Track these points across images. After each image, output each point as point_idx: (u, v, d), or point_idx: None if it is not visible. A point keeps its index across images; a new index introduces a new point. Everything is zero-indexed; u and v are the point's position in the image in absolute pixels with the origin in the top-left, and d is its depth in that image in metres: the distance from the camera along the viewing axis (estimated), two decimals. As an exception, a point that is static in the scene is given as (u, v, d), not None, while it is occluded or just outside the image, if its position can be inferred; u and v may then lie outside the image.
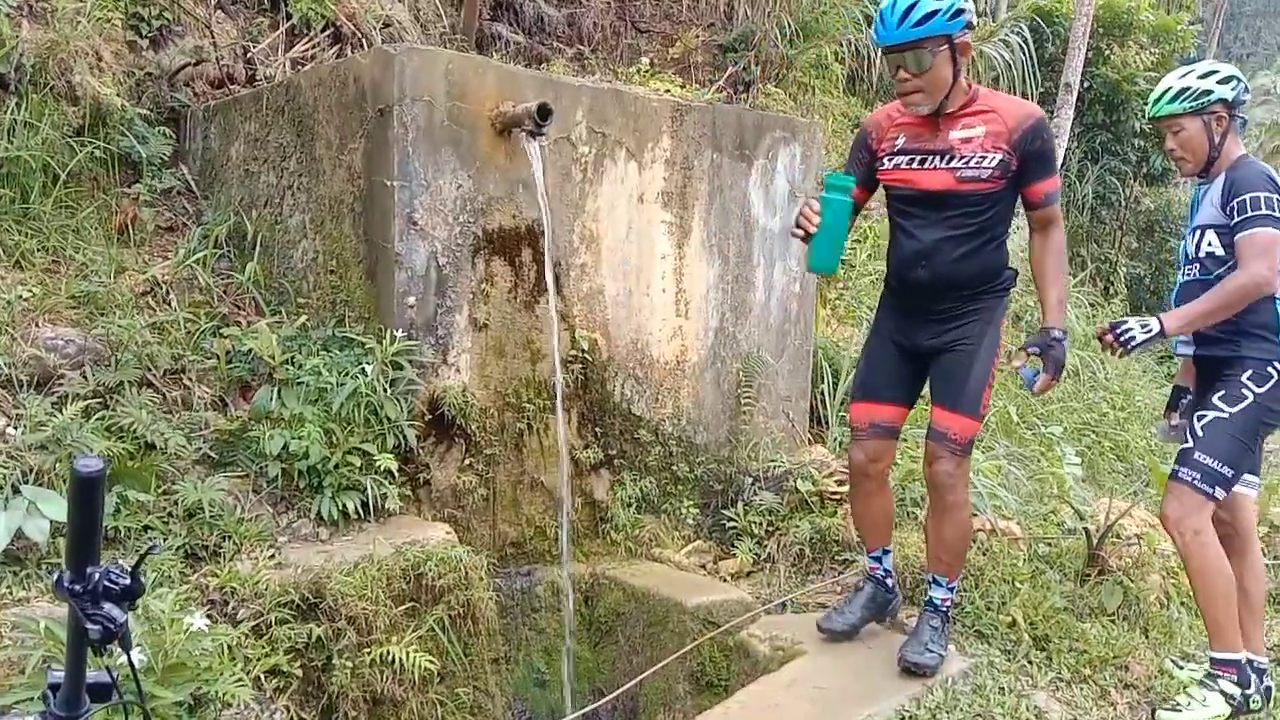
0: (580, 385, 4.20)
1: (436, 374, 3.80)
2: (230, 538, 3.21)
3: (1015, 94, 9.16)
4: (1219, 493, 3.10)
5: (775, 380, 4.94)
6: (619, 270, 4.30)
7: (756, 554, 4.29)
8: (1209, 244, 3.21)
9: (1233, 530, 3.35)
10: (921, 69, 2.88)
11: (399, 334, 3.63)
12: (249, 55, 5.43)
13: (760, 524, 4.37)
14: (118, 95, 4.68)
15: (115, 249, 4.32)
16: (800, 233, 2.92)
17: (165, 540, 3.09)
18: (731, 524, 4.42)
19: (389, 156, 3.66)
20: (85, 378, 3.43)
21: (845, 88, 8.79)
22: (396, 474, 3.58)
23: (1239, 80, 3.26)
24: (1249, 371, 3.14)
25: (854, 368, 5.17)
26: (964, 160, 2.93)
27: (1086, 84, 10.25)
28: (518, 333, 4.00)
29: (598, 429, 4.30)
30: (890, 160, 3.06)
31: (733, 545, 4.38)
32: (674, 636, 3.80)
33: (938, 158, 2.96)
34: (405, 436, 3.62)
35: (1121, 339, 3.08)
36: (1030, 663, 3.36)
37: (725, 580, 4.17)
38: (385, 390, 3.58)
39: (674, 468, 4.53)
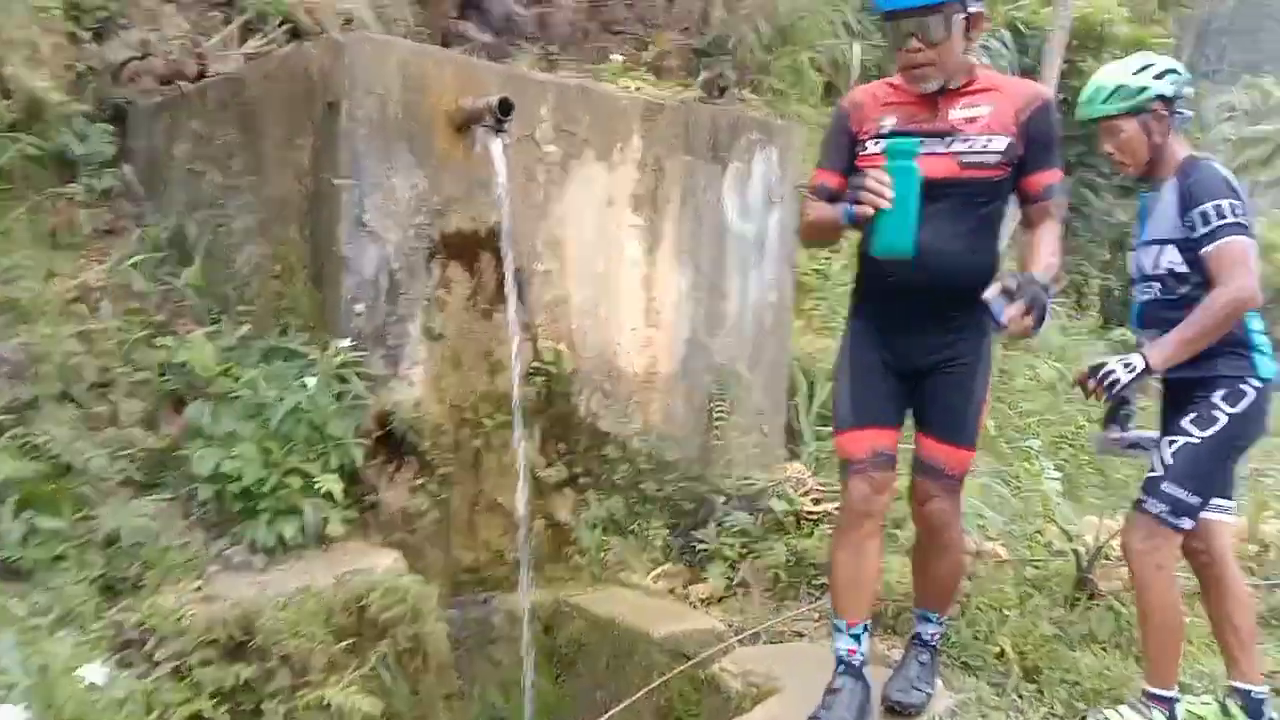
0: (544, 399, 3.96)
1: (387, 387, 3.54)
2: (154, 568, 2.94)
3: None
4: (1186, 523, 2.86)
5: (750, 393, 4.71)
6: (586, 277, 4.05)
7: (729, 578, 4.05)
8: (1169, 260, 2.94)
9: (1209, 559, 3.12)
10: (936, 39, 2.53)
11: (345, 344, 3.37)
12: (200, 50, 5.16)
13: (733, 546, 4.13)
14: (55, 90, 4.40)
15: (47, 252, 4.04)
16: (868, 210, 2.43)
17: (80, 571, 2.81)
18: (703, 546, 4.18)
19: (337, 153, 3.41)
20: (6, 392, 3.14)
21: (822, 97, 8.61)
22: (341, 496, 3.30)
23: (1177, 73, 3.01)
24: (1221, 391, 2.88)
25: (829, 382, 4.95)
26: (968, 143, 2.59)
27: (1062, 96, 10.14)
28: (476, 343, 3.75)
29: (561, 445, 4.05)
30: (877, 144, 2.66)
31: (704, 568, 4.13)
32: (640, 669, 3.55)
33: (937, 141, 2.59)
34: (351, 455, 3.35)
35: (1105, 383, 2.82)
36: (1021, 697, 3.15)
37: (696, 606, 3.93)
38: (329, 405, 3.31)
39: (642, 486, 4.28)
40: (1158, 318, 2.99)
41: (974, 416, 2.74)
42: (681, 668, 3.37)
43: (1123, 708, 2.99)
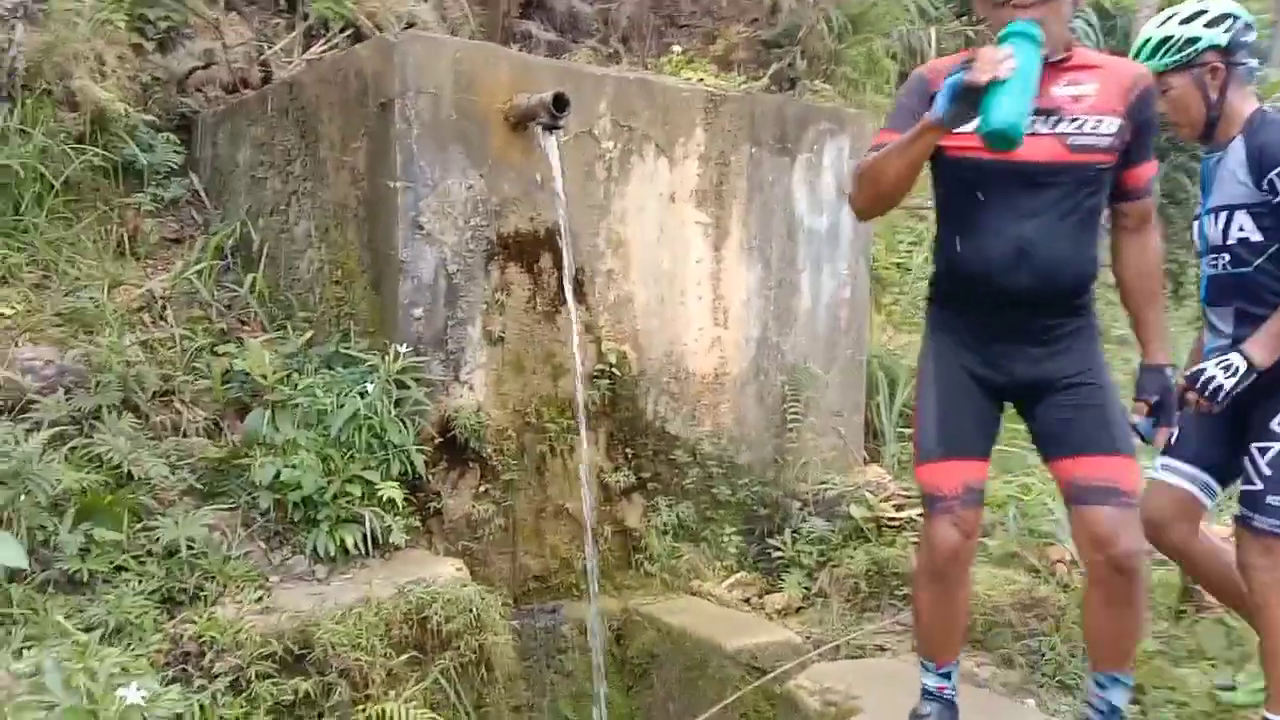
0: (609, 402, 3.83)
1: (447, 392, 3.45)
2: (214, 578, 2.89)
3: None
4: None
5: (825, 394, 4.52)
6: (649, 276, 3.92)
7: (806, 588, 3.88)
8: (1240, 229, 2.64)
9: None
10: None
11: (404, 349, 3.29)
12: (263, 58, 5.17)
13: (810, 554, 3.95)
14: (121, 100, 4.43)
15: (114, 262, 4.06)
16: (982, 79, 2.01)
17: (140, 583, 2.77)
18: (778, 554, 4.01)
19: (391, 156, 3.33)
20: (61, 402, 3.13)
21: (898, 85, 8.35)
22: (403, 504, 3.23)
23: (1234, 18, 2.65)
24: None
25: (910, 382, 4.73)
26: (1076, 124, 2.24)
27: (1151, 80, 9.68)
28: (538, 346, 3.64)
29: (629, 450, 3.92)
30: None
31: (780, 577, 3.96)
32: (714, 683, 3.40)
33: (1040, 120, 2.22)
34: (412, 462, 3.27)
35: (1208, 393, 2.54)
36: (1123, 719, 2.91)
37: (771, 618, 3.76)
38: (389, 412, 3.23)
39: (714, 491, 4.13)
40: (1228, 292, 2.70)
41: (1121, 421, 2.34)
42: (756, 683, 3.21)
43: None
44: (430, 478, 3.40)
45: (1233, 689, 3.07)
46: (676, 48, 5.57)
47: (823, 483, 4.27)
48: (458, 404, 3.47)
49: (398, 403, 3.29)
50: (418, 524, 3.37)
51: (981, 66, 2.02)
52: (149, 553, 2.88)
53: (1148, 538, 2.64)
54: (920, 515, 3.76)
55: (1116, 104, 2.28)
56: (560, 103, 3.35)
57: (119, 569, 2.79)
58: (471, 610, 3.07)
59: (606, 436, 3.86)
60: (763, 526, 4.19)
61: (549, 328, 3.65)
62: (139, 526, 2.92)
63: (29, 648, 2.33)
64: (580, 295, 3.73)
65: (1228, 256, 2.68)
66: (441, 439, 3.44)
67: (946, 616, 2.44)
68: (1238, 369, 2.52)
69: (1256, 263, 2.63)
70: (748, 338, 4.24)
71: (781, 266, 4.33)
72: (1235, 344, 2.65)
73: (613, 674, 3.71)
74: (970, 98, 2.04)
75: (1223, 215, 2.68)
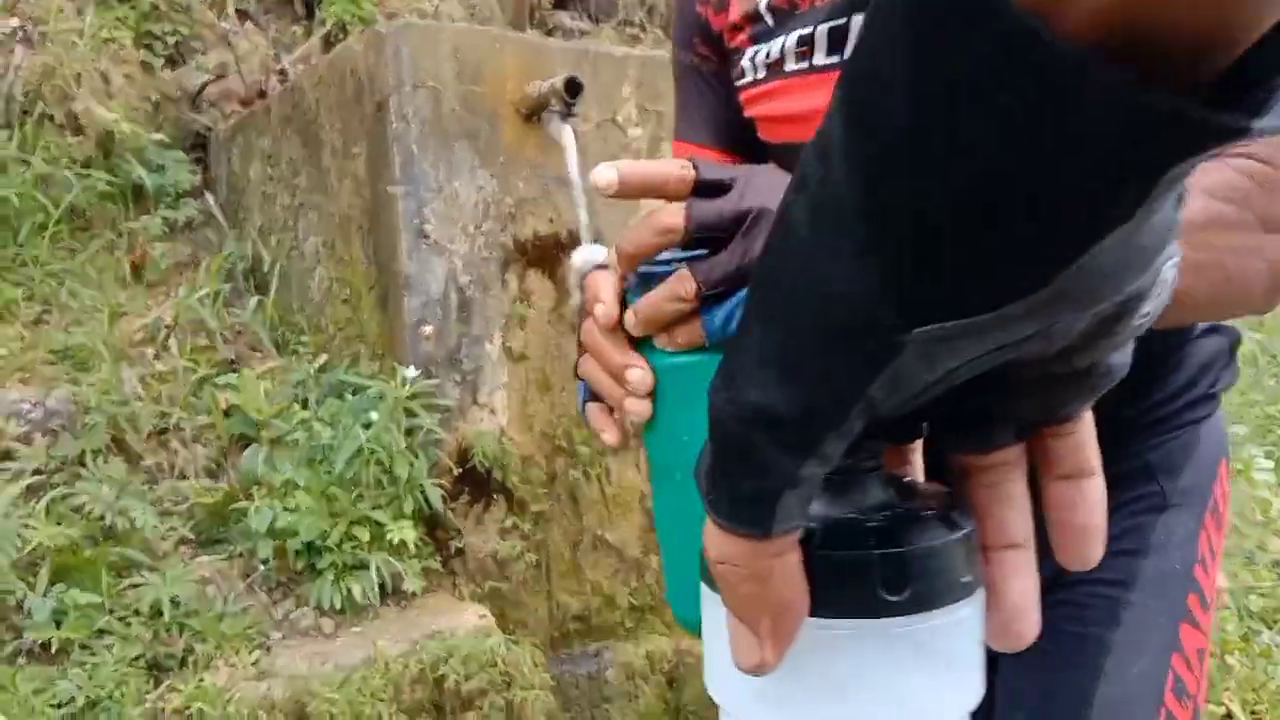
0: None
1: (465, 417, 3.12)
2: (207, 639, 2.60)
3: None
4: None
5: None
6: (688, 277, 3.54)
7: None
8: None
9: None
10: None
11: (413, 373, 2.96)
12: (281, 66, 4.92)
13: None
14: (129, 121, 4.21)
15: (121, 291, 3.82)
16: None
17: (122, 649, 2.49)
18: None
19: (389, 158, 3.01)
20: (42, 447, 2.87)
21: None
22: (418, 545, 2.91)
23: None
24: None
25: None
26: None
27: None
28: (566, 361, 3.29)
29: (674, 470, 3.54)
30: None
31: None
32: (775, 734, 3.01)
33: None
34: (428, 498, 2.95)
35: None
36: (1263, 777, 2.46)
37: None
38: (399, 443, 2.91)
39: (772, 510, 3.73)
40: None
41: None
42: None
43: None
44: (449, 514, 3.07)
45: None
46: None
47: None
48: (477, 430, 3.13)
49: (409, 432, 2.97)
50: (438, 566, 3.05)
51: None
52: (135, 613, 2.60)
53: None
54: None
55: None
56: (573, 88, 3.00)
57: (101, 633, 2.52)
58: (497, 663, 2.74)
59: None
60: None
61: (577, 340, 3.30)
62: (124, 584, 2.65)
63: (-16, 736, 2.06)
64: (610, 302, 3.37)
65: None
66: (461, 470, 3.11)
67: None
68: None
69: None
70: (802, 339, 3.83)
71: (837, 258, 3.91)
72: None
73: (666, 721, 3.35)
74: None
75: None
